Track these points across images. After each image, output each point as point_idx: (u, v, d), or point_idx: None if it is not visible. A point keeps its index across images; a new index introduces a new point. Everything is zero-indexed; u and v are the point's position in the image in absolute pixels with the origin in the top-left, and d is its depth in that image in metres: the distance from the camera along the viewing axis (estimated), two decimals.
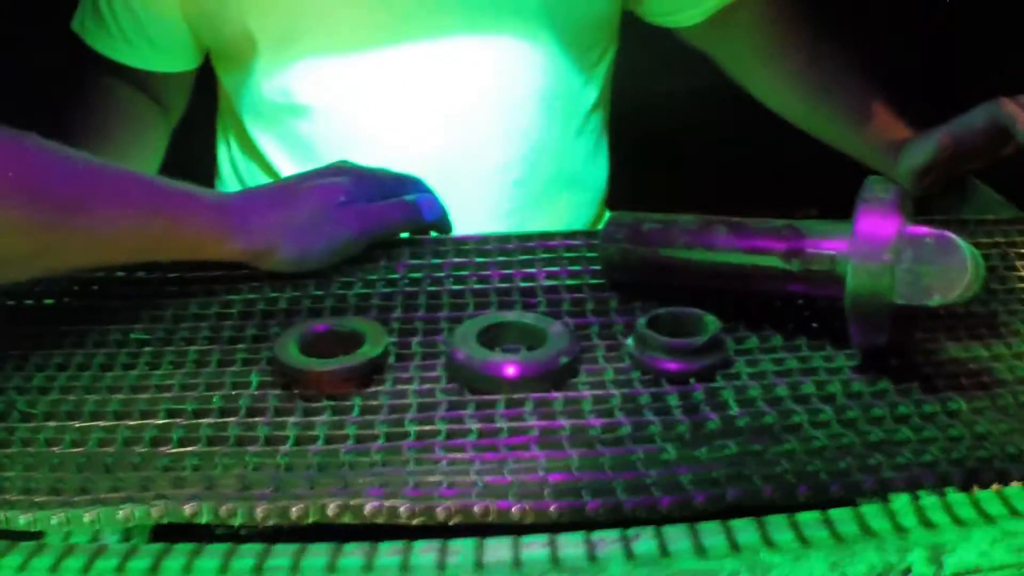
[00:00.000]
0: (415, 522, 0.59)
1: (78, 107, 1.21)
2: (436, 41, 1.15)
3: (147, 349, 0.80)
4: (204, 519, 0.60)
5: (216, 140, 1.36)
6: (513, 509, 0.59)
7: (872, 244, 0.70)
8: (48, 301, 0.89)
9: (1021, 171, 1.12)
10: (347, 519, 0.59)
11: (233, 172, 1.32)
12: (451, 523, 0.59)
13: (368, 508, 0.59)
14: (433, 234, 1.00)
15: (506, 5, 1.15)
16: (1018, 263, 0.94)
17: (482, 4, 1.14)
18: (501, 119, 1.19)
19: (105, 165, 0.87)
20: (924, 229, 0.70)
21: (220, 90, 1.32)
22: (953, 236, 0.69)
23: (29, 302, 0.89)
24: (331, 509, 0.59)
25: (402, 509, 0.59)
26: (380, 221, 0.94)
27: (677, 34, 1.35)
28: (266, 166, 1.25)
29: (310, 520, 0.60)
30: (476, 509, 0.59)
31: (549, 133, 1.21)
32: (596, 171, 1.31)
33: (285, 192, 0.94)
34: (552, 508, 0.59)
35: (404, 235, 0.99)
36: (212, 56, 1.29)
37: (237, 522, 0.60)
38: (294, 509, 0.59)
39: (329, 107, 1.18)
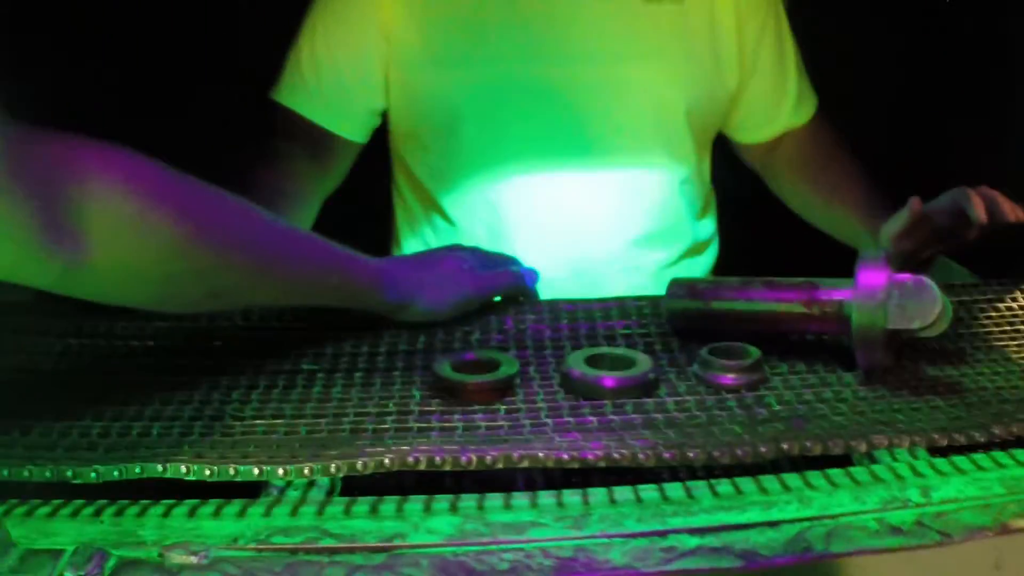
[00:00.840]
0: (572, 466, 0.84)
1: (263, 168, 1.45)
2: (607, 151, 1.49)
3: (319, 376, 1.05)
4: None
5: (393, 204, 1.65)
6: (639, 456, 0.84)
7: (870, 289, 0.97)
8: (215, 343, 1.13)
9: (981, 250, 1.36)
10: (525, 464, 0.84)
11: (410, 230, 1.61)
12: (600, 465, 0.84)
13: (538, 456, 0.85)
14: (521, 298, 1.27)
15: (661, 123, 1.49)
16: (978, 313, 1.21)
17: (644, 122, 1.50)
18: (645, 200, 1.51)
19: (297, 227, 1.12)
20: (906, 276, 0.97)
21: (396, 150, 1.61)
22: (927, 279, 0.96)
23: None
24: (503, 461, 0.85)
25: (565, 456, 0.84)
26: (494, 285, 1.21)
27: (740, 148, 1.70)
28: (448, 222, 1.55)
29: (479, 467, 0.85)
30: (615, 455, 0.84)
31: (678, 212, 1.54)
32: (711, 243, 1.63)
33: (423, 260, 1.20)
34: (666, 455, 0.84)
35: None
36: (394, 130, 1.58)
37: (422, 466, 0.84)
38: (463, 459, 0.85)
39: (516, 183, 1.50)
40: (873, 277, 0.97)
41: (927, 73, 1.98)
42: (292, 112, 1.52)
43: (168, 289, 0.91)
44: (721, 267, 1.67)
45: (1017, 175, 1.50)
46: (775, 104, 1.64)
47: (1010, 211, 1.22)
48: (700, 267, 1.64)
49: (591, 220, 1.52)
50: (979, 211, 1.21)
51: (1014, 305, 1.24)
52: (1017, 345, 1.13)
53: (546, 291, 1.29)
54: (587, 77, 1.49)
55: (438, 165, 1.55)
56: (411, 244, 1.63)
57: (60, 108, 0.95)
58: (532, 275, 1.26)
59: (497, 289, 1.23)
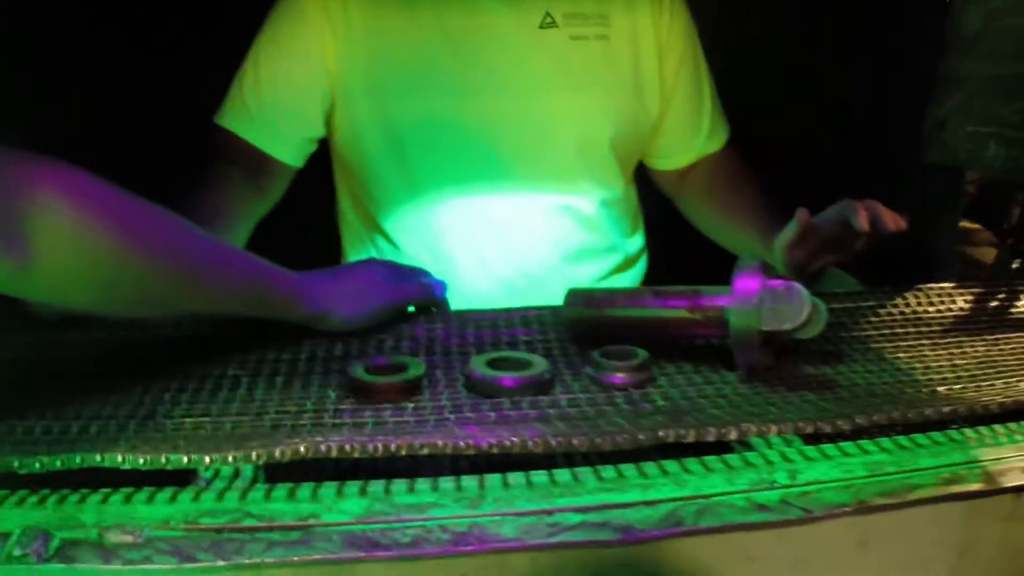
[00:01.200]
0: (468, 452, 0.93)
1: (202, 188, 1.52)
2: (539, 177, 1.61)
3: (243, 379, 1.12)
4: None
5: (339, 217, 1.74)
6: (529, 443, 0.93)
7: (744, 295, 1.07)
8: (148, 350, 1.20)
9: (868, 260, 1.47)
10: (426, 451, 0.93)
11: (354, 249, 1.72)
12: (493, 452, 0.93)
13: (438, 444, 0.93)
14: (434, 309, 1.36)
15: (588, 151, 1.60)
16: (860, 318, 1.31)
17: (572, 150, 1.61)
18: (576, 222, 1.63)
19: (225, 243, 1.20)
20: (778, 281, 1.07)
21: (341, 176, 1.71)
22: (797, 285, 1.05)
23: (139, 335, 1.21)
24: (406, 449, 0.93)
25: (461, 444, 0.93)
26: (407, 295, 1.29)
27: (653, 173, 1.83)
28: (391, 244, 1.64)
29: (384, 454, 0.94)
30: (507, 442, 0.93)
31: (608, 232, 1.65)
32: (640, 257, 1.75)
33: (341, 273, 1.28)
34: (553, 442, 0.93)
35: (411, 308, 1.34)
36: (337, 156, 1.68)
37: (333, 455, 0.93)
38: (370, 447, 0.93)
39: (454, 207, 1.60)
40: (748, 283, 1.07)
41: (820, 92, 2.09)
42: (232, 134, 1.59)
43: (105, 294, 0.99)
44: (651, 279, 1.79)
45: (898, 188, 1.60)
46: (691, 133, 1.76)
47: (891, 221, 1.31)
48: (630, 280, 1.75)
49: (526, 241, 1.62)
50: (862, 220, 1.29)
51: (894, 311, 1.34)
52: (892, 346, 1.23)
53: (486, 306, 1.37)
54: (518, 108, 1.58)
55: (379, 191, 1.64)
56: (357, 257, 1.72)
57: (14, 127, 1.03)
58: (442, 286, 1.34)
59: (409, 300, 1.31)
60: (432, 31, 1.56)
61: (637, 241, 1.75)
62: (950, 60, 1.69)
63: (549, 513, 0.85)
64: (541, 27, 1.57)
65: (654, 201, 1.85)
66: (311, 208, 1.76)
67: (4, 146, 0.88)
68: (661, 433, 0.95)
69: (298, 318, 1.20)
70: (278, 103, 1.57)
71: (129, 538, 0.82)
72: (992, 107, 1.59)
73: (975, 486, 0.93)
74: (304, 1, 1.57)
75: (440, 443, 0.93)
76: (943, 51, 1.73)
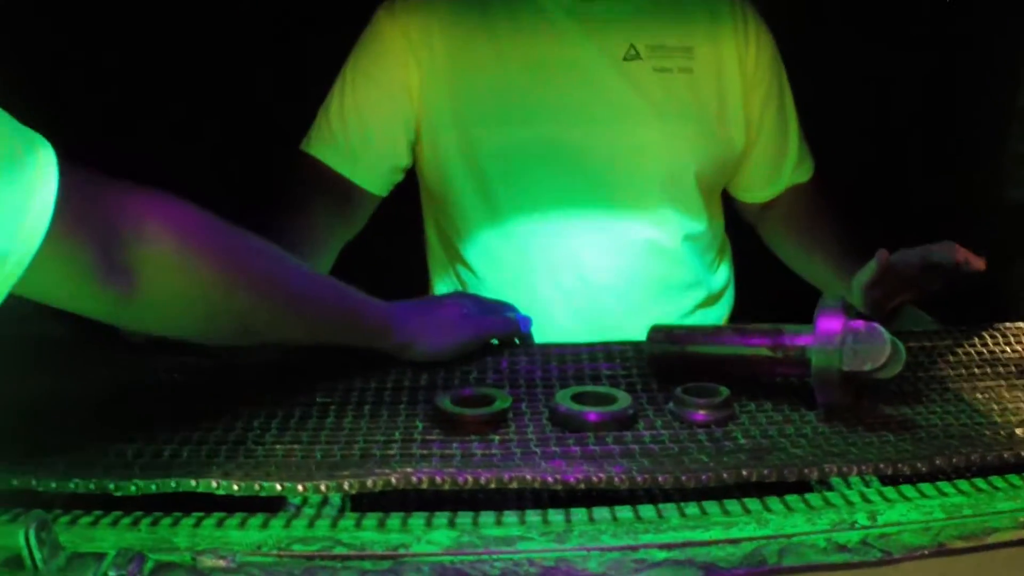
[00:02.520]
0: (556, 487, 0.96)
1: (286, 215, 1.55)
2: (622, 209, 1.62)
3: (332, 408, 1.15)
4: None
5: (425, 246, 1.77)
6: (615, 480, 0.95)
7: (827, 335, 1.08)
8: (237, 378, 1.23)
9: (945, 300, 1.47)
10: (515, 485, 0.95)
11: (439, 277, 1.74)
12: (580, 487, 0.95)
13: (526, 478, 0.96)
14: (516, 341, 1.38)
15: (672, 184, 1.61)
16: (937, 358, 1.32)
17: (656, 182, 1.62)
18: (658, 255, 1.64)
19: (318, 273, 1.24)
20: (860, 322, 1.08)
21: (427, 206, 1.73)
22: (878, 326, 1.07)
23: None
24: (495, 482, 0.96)
25: (550, 479, 0.96)
26: (491, 329, 1.32)
27: (737, 204, 1.83)
28: (473, 274, 1.67)
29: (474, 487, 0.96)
30: (594, 478, 0.96)
31: (692, 266, 1.66)
32: (725, 292, 1.75)
33: (428, 305, 1.31)
34: (639, 479, 0.95)
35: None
36: (423, 185, 1.70)
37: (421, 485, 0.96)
38: (460, 479, 0.96)
39: (536, 239, 1.62)
40: (830, 323, 1.08)
41: (897, 129, 2.08)
42: (318, 162, 1.62)
43: (206, 323, 1.04)
44: (739, 313, 1.79)
45: (975, 225, 1.60)
46: (777, 166, 1.77)
47: (973, 259, 1.32)
48: (716, 316, 1.75)
49: (608, 274, 1.63)
50: (952, 254, 1.32)
51: (971, 350, 1.35)
52: (970, 387, 1.24)
53: (567, 340, 1.39)
54: (602, 140, 1.60)
55: (462, 221, 1.66)
56: (442, 287, 1.74)
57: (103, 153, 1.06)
58: (526, 321, 1.37)
59: (493, 333, 1.34)
60: (516, 62, 1.59)
61: (722, 276, 1.76)
62: None
63: (634, 549, 0.87)
64: (625, 59, 1.60)
65: (742, 235, 1.86)
66: (399, 237, 1.79)
67: (106, 176, 0.92)
68: (744, 472, 0.97)
69: (385, 347, 1.23)
70: (364, 132, 1.61)
71: (222, 562, 0.85)
72: None
73: None
74: (388, 31, 1.61)
75: (528, 477, 0.95)
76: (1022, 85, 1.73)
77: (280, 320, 1.10)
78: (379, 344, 1.22)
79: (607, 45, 1.59)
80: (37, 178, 0.81)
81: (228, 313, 1.04)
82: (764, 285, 1.76)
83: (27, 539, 0.81)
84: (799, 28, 1.83)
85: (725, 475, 0.97)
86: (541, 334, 1.43)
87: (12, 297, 0.82)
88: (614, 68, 1.59)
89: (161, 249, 0.94)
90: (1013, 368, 1.31)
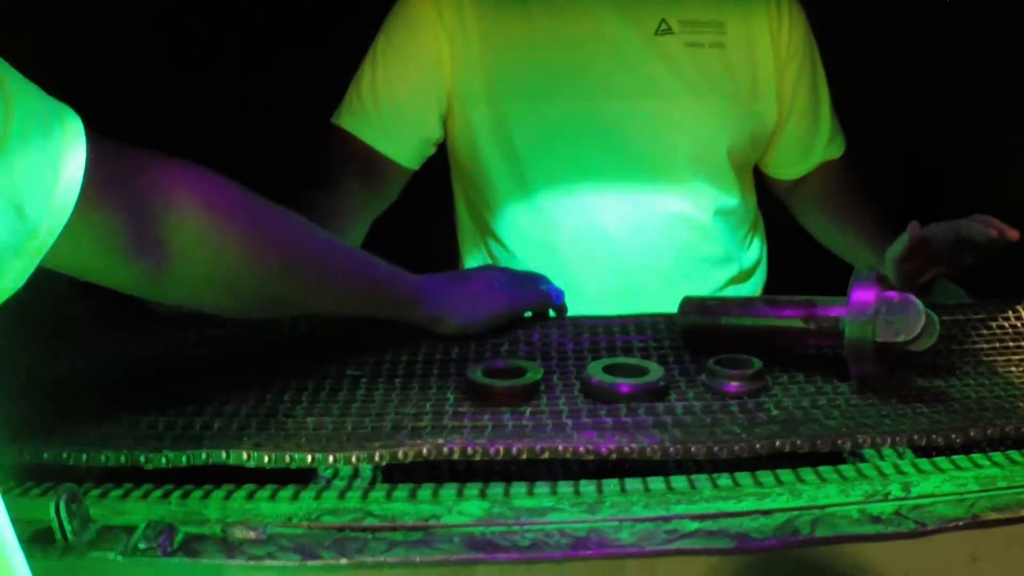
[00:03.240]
0: (587, 458, 0.95)
1: (318, 188, 1.56)
2: (653, 183, 1.62)
3: (363, 380, 1.15)
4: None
5: (456, 221, 1.77)
6: (647, 451, 0.95)
7: (861, 306, 1.07)
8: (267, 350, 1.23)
9: (978, 273, 1.47)
10: (546, 455, 0.95)
11: (469, 251, 1.74)
12: (612, 458, 0.94)
13: (558, 449, 0.96)
14: (552, 314, 1.38)
15: (703, 158, 1.61)
16: (971, 331, 1.31)
17: (687, 156, 1.62)
18: (690, 230, 1.64)
19: (348, 245, 1.23)
20: (894, 293, 1.07)
21: (457, 180, 1.73)
22: (912, 296, 1.06)
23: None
24: (527, 452, 0.95)
25: (581, 449, 0.95)
26: (524, 302, 1.31)
27: (769, 180, 1.82)
28: (504, 248, 1.67)
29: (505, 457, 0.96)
30: (626, 449, 0.95)
31: (724, 241, 1.65)
32: (757, 268, 1.74)
33: (459, 277, 1.31)
34: (671, 450, 0.95)
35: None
36: (453, 160, 1.70)
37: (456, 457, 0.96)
38: (491, 450, 0.96)
39: (567, 213, 1.62)
40: (864, 294, 1.07)
41: (932, 102, 2.07)
42: (350, 135, 1.62)
43: (235, 294, 1.04)
44: (771, 291, 1.78)
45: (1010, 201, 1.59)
46: (809, 143, 1.76)
47: (1007, 230, 1.33)
48: (748, 292, 1.74)
49: (639, 248, 1.63)
50: (986, 229, 1.33)
51: (1004, 324, 1.34)
52: (1004, 360, 1.23)
53: (599, 313, 1.38)
54: (633, 114, 1.60)
55: (493, 196, 1.66)
56: (473, 262, 1.74)
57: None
58: (559, 293, 1.36)
59: (527, 306, 1.34)
60: (547, 37, 1.58)
61: (754, 251, 1.75)
62: None
63: (666, 520, 0.87)
64: (657, 34, 1.59)
65: (777, 212, 1.85)
66: (430, 212, 1.79)
67: (134, 147, 0.91)
68: (777, 443, 0.96)
69: (416, 319, 1.23)
70: (395, 104, 1.60)
71: (252, 534, 0.85)
72: None
73: None
74: (419, 6, 1.60)
75: (560, 448, 0.95)
76: None
77: (309, 291, 1.10)
78: (409, 316, 1.22)
79: (639, 20, 1.59)
80: (66, 148, 0.81)
81: (257, 285, 1.04)
82: (797, 262, 1.74)
83: (57, 512, 0.81)
84: (833, 4, 1.80)
85: (758, 446, 0.96)
86: (572, 307, 1.42)
87: (43, 272, 0.82)
88: (646, 43, 1.58)
89: (190, 221, 0.94)
90: None
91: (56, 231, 0.80)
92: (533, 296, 1.34)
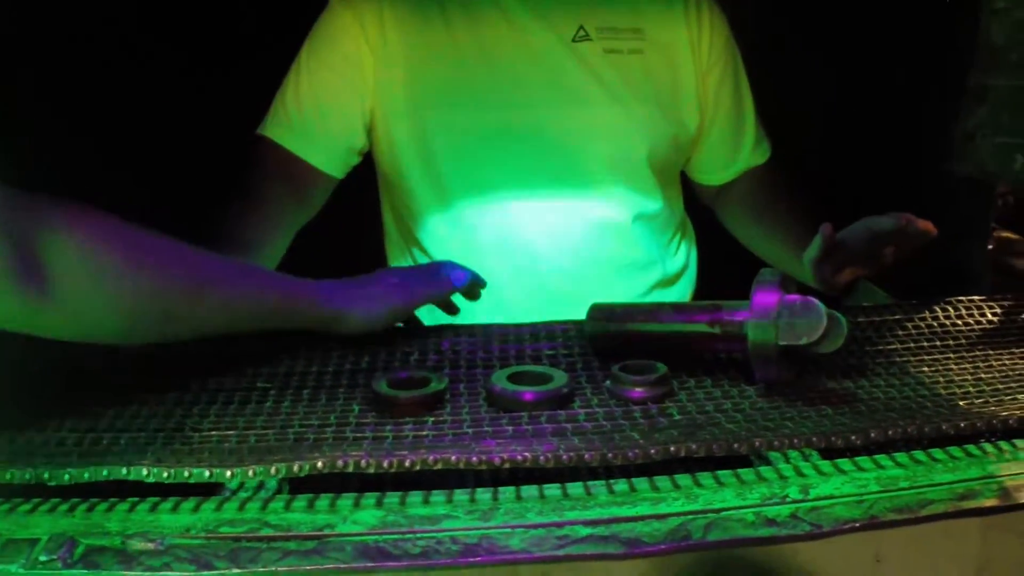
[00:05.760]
0: (481, 467, 0.95)
1: (242, 199, 1.55)
2: (574, 192, 1.62)
3: (271, 392, 1.15)
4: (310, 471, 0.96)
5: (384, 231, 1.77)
6: (541, 458, 0.95)
7: (762, 310, 1.08)
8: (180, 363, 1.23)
9: (900, 275, 1.47)
10: (439, 467, 0.95)
11: (396, 261, 1.74)
12: (505, 467, 0.94)
13: (451, 459, 0.95)
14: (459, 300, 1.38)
15: (623, 165, 1.61)
16: (886, 332, 1.32)
17: (607, 164, 1.62)
18: (612, 237, 1.64)
19: (239, 262, 1.23)
20: (796, 297, 1.07)
21: (383, 190, 1.74)
22: (814, 300, 1.06)
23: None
24: (420, 464, 0.95)
25: (474, 459, 0.95)
26: (423, 292, 1.31)
27: (695, 185, 1.84)
28: (428, 257, 1.67)
29: (399, 469, 0.95)
30: (519, 457, 0.95)
31: (646, 247, 1.65)
32: (684, 274, 1.75)
33: (356, 281, 1.28)
34: (564, 457, 0.95)
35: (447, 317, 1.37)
36: (378, 169, 1.70)
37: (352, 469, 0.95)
38: (385, 462, 0.95)
39: (489, 223, 1.63)
40: (766, 298, 1.08)
41: (851, 105, 2.09)
42: (275, 145, 1.62)
43: (121, 320, 1.03)
44: (703, 297, 1.74)
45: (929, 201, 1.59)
46: (733, 149, 1.77)
47: (919, 222, 1.33)
48: (675, 297, 1.74)
49: (561, 256, 1.63)
50: (899, 220, 1.33)
51: (921, 324, 1.34)
52: (917, 360, 1.24)
53: (522, 320, 1.39)
54: (553, 120, 1.60)
55: (415, 205, 1.66)
56: None
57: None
58: (461, 276, 1.35)
59: (427, 296, 1.33)
60: (467, 46, 1.58)
61: (680, 257, 1.76)
62: (978, 72, 1.69)
63: (559, 526, 0.87)
64: (575, 40, 1.59)
65: (713, 218, 1.86)
66: (360, 224, 1.79)
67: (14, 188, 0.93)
68: (673, 448, 0.96)
69: (315, 320, 1.22)
70: (319, 114, 1.60)
71: (151, 545, 0.85)
72: (1019, 119, 1.59)
73: (991, 502, 0.93)
74: (343, 17, 1.60)
75: (454, 459, 0.95)
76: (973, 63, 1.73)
77: (197, 310, 1.09)
78: (307, 317, 1.21)
79: (557, 27, 1.59)
80: None
81: (141, 309, 1.03)
82: (733, 268, 1.75)
83: None
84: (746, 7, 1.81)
85: (652, 451, 0.96)
86: (494, 316, 1.43)
87: None
88: (564, 50, 1.58)
89: (68, 249, 0.95)
90: (963, 340, 1.31)
91: None
92: (431, 286, 1.33)
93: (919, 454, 1.01)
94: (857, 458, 1.00)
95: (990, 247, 2.00)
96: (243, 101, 1.67)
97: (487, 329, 1.34)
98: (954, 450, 1.02)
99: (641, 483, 0.94)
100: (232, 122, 1.69)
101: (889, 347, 1.28)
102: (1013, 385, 1.16)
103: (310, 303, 1.20)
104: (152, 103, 1.98)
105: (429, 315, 1.45)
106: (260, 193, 1.57)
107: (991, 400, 1.11)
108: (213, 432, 1.04)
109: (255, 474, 0.94)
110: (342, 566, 0.83)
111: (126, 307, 1.02)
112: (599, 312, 1.23)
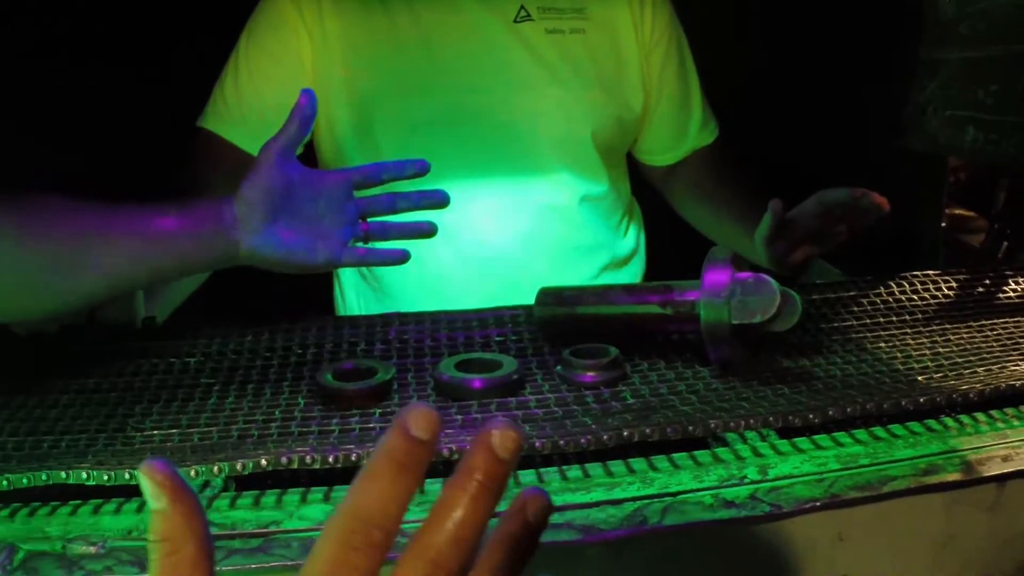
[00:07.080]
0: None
1: (183, 190, 1.47)
2: (519, 176, 1.58)
3: (215, 388, 1.12)
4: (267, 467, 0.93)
5: None
6: None
7: (714, 288, 1.05)
8: (123, 363, 1.20)
9: (853, 252, 1.46)
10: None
11: None
12: (454, 458, 0.91)
13: None
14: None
15: (568, 147, 1.58)
16: (841, 309, 1.30)
17: (551, 146, 1.58)
18: (558, 220, 1.61)
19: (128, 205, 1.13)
20: (748, 274, 1.05)
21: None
22: (767, 277, 1.04)
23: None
24: (366, 457, 0.92)
25: None
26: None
27: (642, 167, 1.81)
28: None
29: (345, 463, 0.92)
30: (466, 447, 0.91)
31: (593, 229, 1.63)
32: (634, 257, 1.73)
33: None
34: None
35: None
36: (320, 159, 1.66)
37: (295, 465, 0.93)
38: (331, 457, 0.92)
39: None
40: (717, 276, 1.06)
41: (799, 80, 2.07)
42: (215, 136, 1.58)
43: (12, 278, 1.02)
44: (655, 279, 1.72)
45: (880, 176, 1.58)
46: (680, 130, 1.74)
47: (870, 195, 1.31)
48: (625, 280, 1.72)
49: (508, 241, 1.60)
50: (853, 191, 1.30)
51: (876, 300, 1.33)
52: (874, 336, 1.22)
53: (470, 306, 1.36)
54: (496, 104, 1.57)
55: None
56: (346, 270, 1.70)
57: None
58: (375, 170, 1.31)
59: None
60: (407, 30, 1.55)
61: (630, 239, 1.73)
62: (928, 45, 1.68)
63: None
64: (516, 21, 1.56)
65: (662, 200, 1.83)
66: None
67: None
68: (626, 432, 0.94)
69: (217, 237, 1.13)
70: (259, 103, 1.56)
71: (92, 549, 0.83)
72: (969, 91, 1.57)
73: (953, 476, 0.91)
74: (280, 5, 1.57)
75: None
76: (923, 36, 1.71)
77: (91, 254, 1.05)
78: (206, 234, 1.12)
79: (498, 8, 1.56)
80: None
81: (22, 256, 1.02)
82: (683, 251, 1.73)
83: None
84: None
85: (605, 437, 0.93)
86: (442, 304, 1.40)
87: None
88: (505, 31, 1.56)
89: None
90: (919, 315, 1.30)
91: None
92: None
93: (879, 430, 0.99)
94: (816, 436, 0.98)
95: (943, 224, 1.99)
96: (182, 92, 1.64)
97: (435, 316, 1.31)
98: (914, 425, 1.01)
99: (595, 468, 0.92)
100: (171, 115, 1.65)
101: (845, 324, 1.27)
102: (972, 359, 1.15)
103: (206, 215, 1.13)
104: (86, 96, 1.94)
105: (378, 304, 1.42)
106: (203, 186, 1.53)
107: (950, 374, 1.10)
108: (155, 431, 1.01)
109: (197, 474, 0.91)
110: (288, 563, 0.81)
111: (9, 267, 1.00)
112: (548, 296, 1.20)
